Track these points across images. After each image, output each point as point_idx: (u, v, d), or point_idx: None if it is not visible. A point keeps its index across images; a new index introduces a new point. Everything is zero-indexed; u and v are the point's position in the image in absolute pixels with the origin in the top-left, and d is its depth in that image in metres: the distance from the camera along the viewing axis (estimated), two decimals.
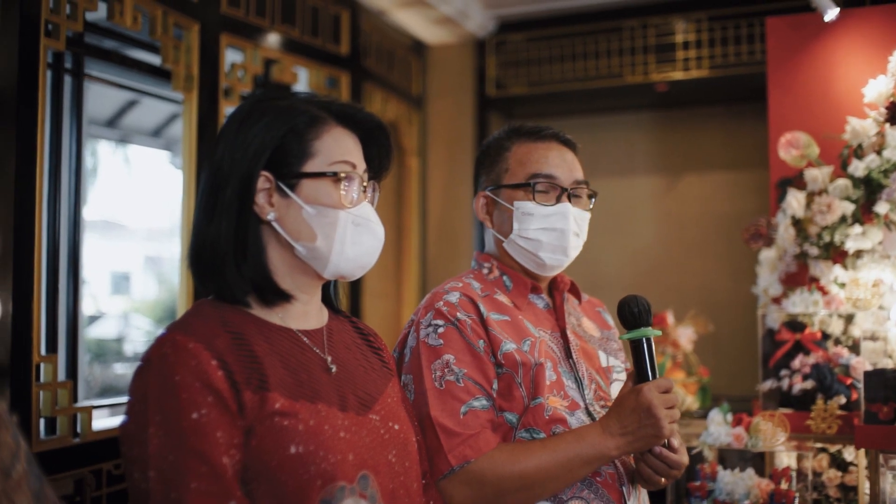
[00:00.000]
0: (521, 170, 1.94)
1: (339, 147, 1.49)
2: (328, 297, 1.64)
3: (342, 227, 1.46)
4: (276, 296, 1.47)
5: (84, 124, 2.98)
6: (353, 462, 1.36)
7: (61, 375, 2.69)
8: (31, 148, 2.42)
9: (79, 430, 2.64)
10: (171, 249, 5.66)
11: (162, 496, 1.25)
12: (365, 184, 1.54)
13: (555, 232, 1.91)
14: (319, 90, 3.90)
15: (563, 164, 1.95)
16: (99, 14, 2.81)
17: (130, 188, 5.76)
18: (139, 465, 1.28)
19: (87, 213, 3.01)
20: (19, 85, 2.39)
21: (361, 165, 1.53)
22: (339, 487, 1.32)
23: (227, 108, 3.29)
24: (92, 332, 5.73)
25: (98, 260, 5.81)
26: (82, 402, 2.76)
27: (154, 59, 3.16)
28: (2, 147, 2.36)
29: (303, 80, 3.87)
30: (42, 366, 2.50)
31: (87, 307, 5.40)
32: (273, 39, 3.57)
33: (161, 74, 3.18)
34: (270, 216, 1.45)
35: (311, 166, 1.47)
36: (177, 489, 1.25)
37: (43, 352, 2.55)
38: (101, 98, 4.75)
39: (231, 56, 3.36)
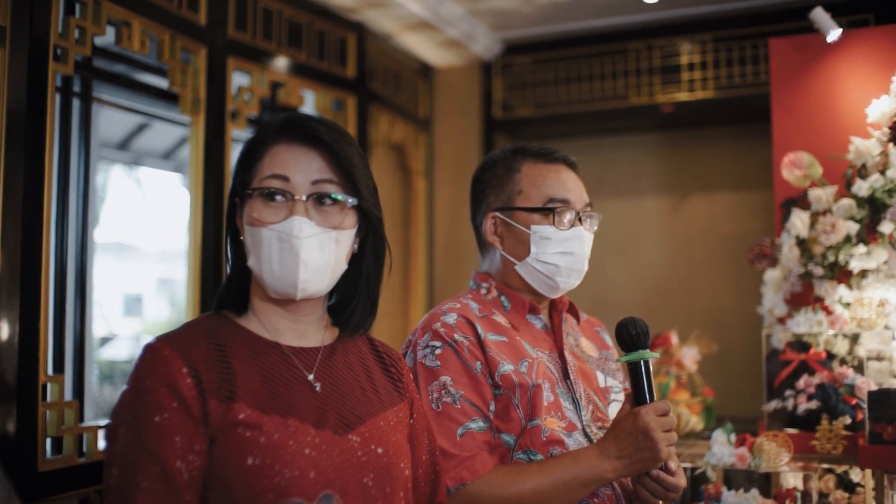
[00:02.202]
0: (536, 193, 1.94)
1: (272, 162, 1.47)
2: (350, 319, 1.60)
3: (267, 245, 1.44)
4: (240, 307, 1.53)
5: (96, 147, 3.01)
6: (314, 480, 1.35)
7: (68, 395, 2.70)
8: (40, 170, 2.45)
9: (84, 449, 2.65)
10: (184, 271, 5.72)
11: (117, 493, 1.30)
12: (300, 196, 1.45)
13: (572, 256, 1.92)
14: (326, 113, 3.94)
15: (575, 187, 1.97)
16: (107, 39, 2.85)
17: (143, 211, 5.81)
18: (108, 463, 1.33)
19: (100, 235, 3.04)
20: (28, 108, 2.41)
21: (305, 177, 1.46)
22: (294, 503, 1.33)
23: (234, 131, 3.32)
24: (104, 354, 5.76)
25: (111, 282, 5.85)
26: (89, 422, 2.77)
27: (162, 83, 3.20)
28: (10, 169, 2.38)
29: (309, 102, 3.90)
30: (49, 385, 2.51)
31: (99, 329, 5.44)
32: (280, 62, 3.60)
33: (169, 98, 3.22)
34: (242, 237, 1.51)
35: (250, 187, 1.48)
36: (129, 487, 1.29)
37: (50, 372, 2.56)
38: (112, 121, 4.80)
39: (238, 79, 3.40)
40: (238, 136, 3.42)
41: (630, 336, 1.73)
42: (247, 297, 1.54)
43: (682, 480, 1.76)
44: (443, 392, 1.76)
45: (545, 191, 1.94)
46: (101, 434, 2.74)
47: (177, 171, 5.63)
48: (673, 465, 1.74)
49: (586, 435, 1.84)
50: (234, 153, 3.33)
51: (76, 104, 2.86)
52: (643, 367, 1.72)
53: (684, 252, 4.71)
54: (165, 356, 1.36)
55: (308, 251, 1.44)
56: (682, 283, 4.65)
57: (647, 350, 1.73)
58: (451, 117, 4.91)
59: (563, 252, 1.91)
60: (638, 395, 1.72)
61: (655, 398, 1.72)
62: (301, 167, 1.47)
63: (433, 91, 4.95)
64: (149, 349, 1.39)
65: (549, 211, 1.92)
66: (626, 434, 1.68)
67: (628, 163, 4.85)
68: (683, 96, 4.37)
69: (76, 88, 2.85)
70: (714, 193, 4.67)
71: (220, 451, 1.34)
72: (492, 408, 1.78)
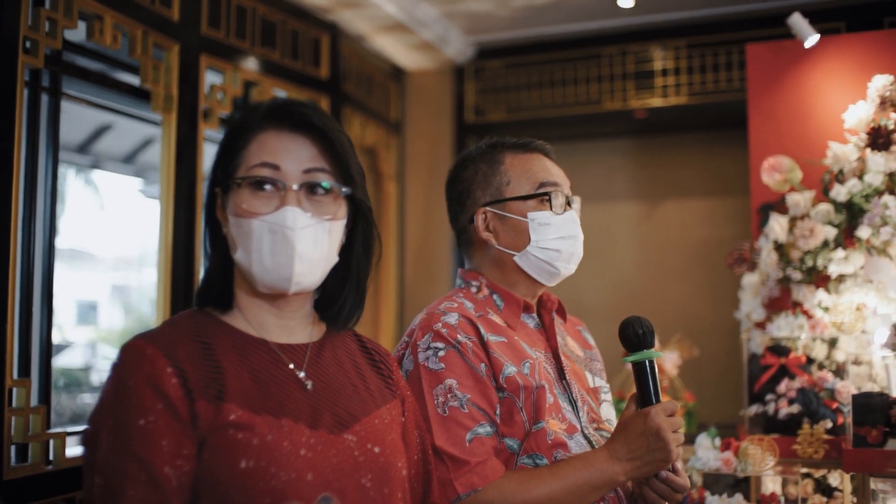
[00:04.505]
0: (526, 181, 1.90)
1: (260, 150, 1.40)
2: (340, 312, 1.55)
3: (257, 237, 1.36)
4: (224, 304, 1.45)
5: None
6: (311, 482, 1.29)
7: (34, 401, 2.60)
8: (7, 168, 2.36)
9: (51, 457, 2.56)
10: (140, 278, 5.58)
11: (101, 502, 1.22)
12: (292, 185, 1.38)
13: (571, 239, 1.90)
14: None
15: (559, 172, 1.95)
16: (78, 33, 2.76)
17: (99, 216, 5.68)
18: (89, 470, 1.26)
19: (57, 240, 2.93)
20: None
21: (296, 166, 1.39)
22: None
23: (207, 130, 3.25)
24: (59, 362, 5.61)
25: (65, 289, 5.71)
26: (56, 429, 2.68)
27: (133, 80, 3.11)
28: None
29: None
30: (15, 390, 2.42)
31: (53, 337, 5.30)
32: (253, 61, 3.54)
33: (139, 95, 3.12)
34: (224, 230, 1.43)
35: (236, 176, 1.40)
36: (114, 495, 1.21)
37: (15, 376, 2.47)
38: (72, 123, 4.68)
39: (210, 78, 3.32)
40: (210, 136, 3.35)
41: (637, 335, 1.70)
42: (229, 293, 1.46)
43: (687, 481, 1.73)
44: (449, 396, 1.69)
45: (534, 177, 1.91)
46: (69, 441, 2.65)
47: (137, 175, 5.51)
48: (679, 465, 1.71)
49: (585, 437, 1.79)
50: (206, 153, 3.25)
51: (45, 100, 2.76)
52: (649, 367, 1.68)
53: (657, 258, 4.71)
54: (149, 355, 1.28)
55: (303, 243, 1.37)
56: (655, 290, 4.65)
57: (653, 349, 1.70)
58: (423, 121, 4.86)
59: (562, 236, 1.88)
60: (644, 396, 1.68)
61: (661, 398, 1.68)
62: (292, 155, 1.40)
63: (405, 94, 4.91)
64: (130, 348, 1.31)
65: (543, 196, 1.88)
66: (637, 435, 1.64)
67: (601, 168, 4.85)
68: (657, 102, 4.38)
69: (45, 83, 2.75)
70: (687, 199, 4.68)
71: (211, 454, 1.27)
72: (497, 411, 1.73)
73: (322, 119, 1.43)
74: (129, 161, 5.49)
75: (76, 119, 4.51)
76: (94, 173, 5.48)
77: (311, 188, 1.40)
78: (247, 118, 1.45)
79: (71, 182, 5.52)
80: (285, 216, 1.36)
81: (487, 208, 1.92)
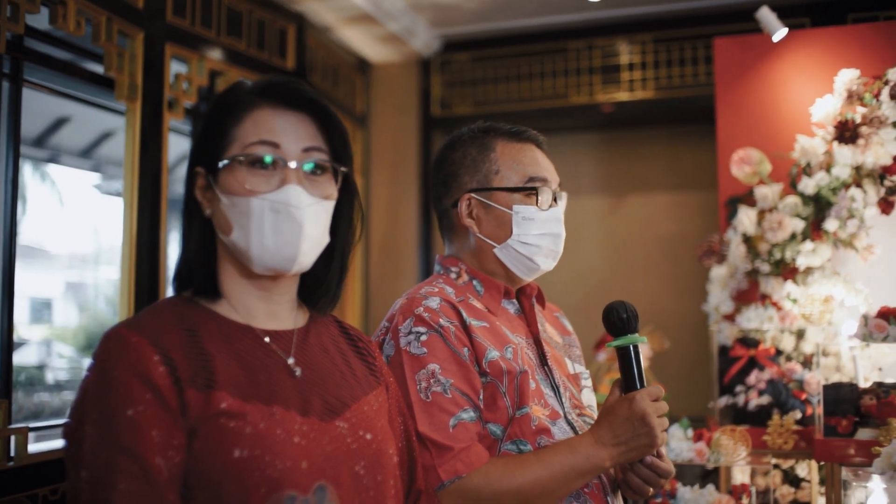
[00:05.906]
0: (515, 172, 1.86)
1: (256, 128, 1.36)
2: (327, 293, 1.50)
3: (257, 216, 1.33)
4: (210, 291, 1.39)
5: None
6: (306, 470, 1.26)
7: None
8: None
9: (13, 453, 2.49)
10: (96, 276, 5.47)
11: (90, 496, 1.18)
12: (291, 164, 1.35)
13: (552, 237, 1.87)
14: None
15: (549, 166, 1.91)
16: (41, 19, 2.69)
17: (54, 212, 5.57)
18: (74, 465, 1.21)
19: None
20: None
21: (296, 145, 1.36)
22: (288, 497, 1.23)
23: (172, 121, 3.18)
24: (13, 359, 5.49)
25: (18, 286, 5.59)
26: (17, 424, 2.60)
27: (97, 68, 3.03)
28: None
29: None
30: None
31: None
32: (218, 51, 3.48)
33: (103, 84, 3.05)
34: (207, 212, 1.39)
35: (229, 153, 1.36)
36: (105, 489, 1.17)
37: None
38: (28, 115, 4.57)
39: (176, 67, 3.26)
40: (175, 126, 3.28)
41: (621, 320, 1.68)
42: (213, 278, 1.40)
43: (671, 466, 1.73)
44: (432, 381, 1.66)
45: (524, 170, 1.86)
46: (31, 437, 2.58)
47: (95, 170, 5.41)
48: (663, 450, 1.70)
49: (569, 422, 1.78)
50: (171, 143, 3.19)
51: (6, 87, 2.69)
52: (633, 352, 1.67)
53: (622, 252, 4.73)
54: (134, 343, 1.24)
55: (309, 222, 1.35)
56: (621, 284, 4.67)
57: (637, 334, 1.69)
58: (389, 114, 4.83)
59: (544, 233, 1.85)
60: (628, 381, 1.67)
61: (646, 383, 1.67)
62: (291, 133, 1.37)
63: (370, 87, 4.87)
64: (113, 337, 1.25)
65: (531, 190, 1.85)
66: (622, 420, 1.63)
67: (567, 162, 4.85)
68: (623, 96, 4.40)
69: (6, 70, 2.68)
70: (653, 194, 4.71)
71: (202, 444, 1.22)
72: (481, 396, 1.71)
73: (317, 96, 1.41)
74: (86, 155, 5.38)
75: (33, 111, 4.41)
76: (51, 167, 5.36)
77: (310, 167, 1.38)
78: (234, 95, 1.40)
79: (27, 176, 5.40)
80: (289, 195, 1.33)
81: (473, 195, 1.88)
